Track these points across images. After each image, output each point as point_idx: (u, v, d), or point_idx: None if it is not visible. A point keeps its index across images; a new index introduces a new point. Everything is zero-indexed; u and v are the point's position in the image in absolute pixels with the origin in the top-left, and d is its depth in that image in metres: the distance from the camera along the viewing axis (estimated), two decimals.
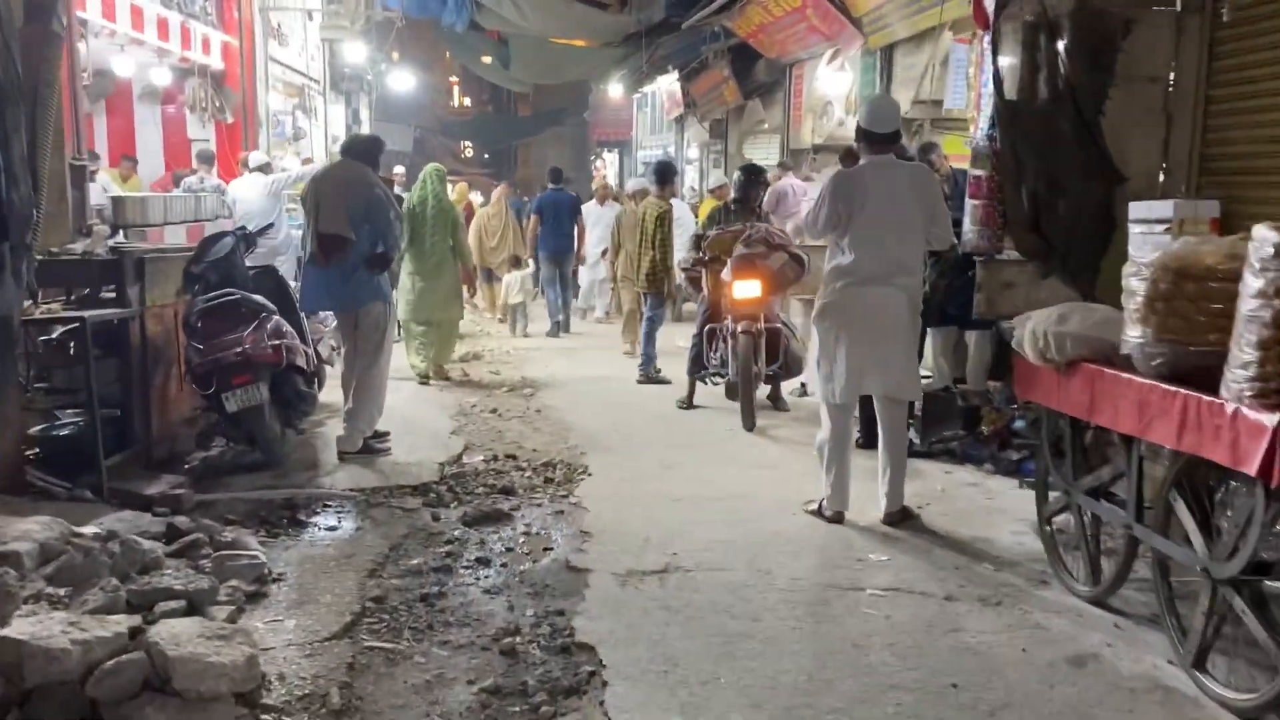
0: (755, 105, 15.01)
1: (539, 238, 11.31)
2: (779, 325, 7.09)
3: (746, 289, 6.78)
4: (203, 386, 5.08)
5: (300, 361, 5.41)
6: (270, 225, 6.77)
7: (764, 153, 16.12)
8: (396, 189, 11.39)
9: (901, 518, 4.65)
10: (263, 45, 11.70)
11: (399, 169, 16.31)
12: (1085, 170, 5.49)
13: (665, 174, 8.64)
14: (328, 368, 6.87)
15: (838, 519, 4.65)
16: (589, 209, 11.71)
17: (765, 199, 8.34)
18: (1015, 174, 5.47)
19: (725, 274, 6.89)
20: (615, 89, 21.75)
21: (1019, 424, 5.95)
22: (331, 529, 4.52)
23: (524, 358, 9.77)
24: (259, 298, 5.31)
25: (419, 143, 27.11)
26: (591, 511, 4.80)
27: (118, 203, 7.83)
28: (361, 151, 5.78)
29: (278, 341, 5.15)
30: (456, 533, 4.49)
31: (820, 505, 4.71)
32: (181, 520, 4.22)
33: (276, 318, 5.29)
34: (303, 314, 6.07)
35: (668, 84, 18.96)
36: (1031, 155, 5.46)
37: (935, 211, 4.57)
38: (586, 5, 13.91)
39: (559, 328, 11.41)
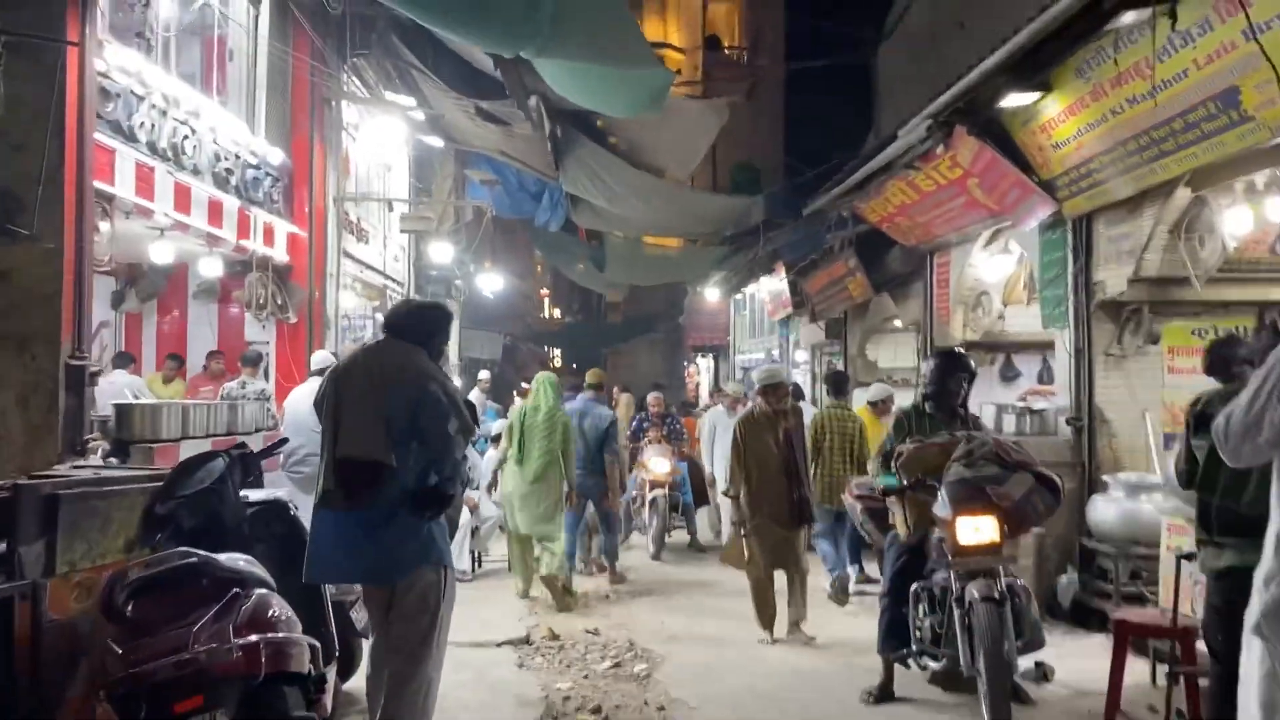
0: (883, 300, 13.21)
1: None
2: (1015, 580, 4.79)
3: (977, 530, 4.59)
4: (125, 716, 3.00)
5: (297, 664, 3.29)
6: (284, 441, 4.88)
7: (891, 353, 14.34)
8: (476, 395, 9.83)
9: None
10: (335, 239, 10.43)
11: (484, 374, 14.91)
12: None
13: (842, 384, 8.18)
14: (363, 642, 4.77)
15: None
16: (720, 418, 10.02)
17: None
18: None
19: (940, 509, 4.70)
20: (712, 293, 20.46)
21: None
22: None
23: (627, 608, 7.54)
24: (234, 559, 3.29)
25: (508, 350, 26.23)
26: None
27: (122, 412, 6.17)
28: (411, 328, 3.70)
29: (254, 637, 3.05)
30: None
31: None
32: None
33: (259, 593, 3.23)
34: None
35: (770, 284, 17.49)
36: None
37: None
38: (696, 191, 12.58)
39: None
